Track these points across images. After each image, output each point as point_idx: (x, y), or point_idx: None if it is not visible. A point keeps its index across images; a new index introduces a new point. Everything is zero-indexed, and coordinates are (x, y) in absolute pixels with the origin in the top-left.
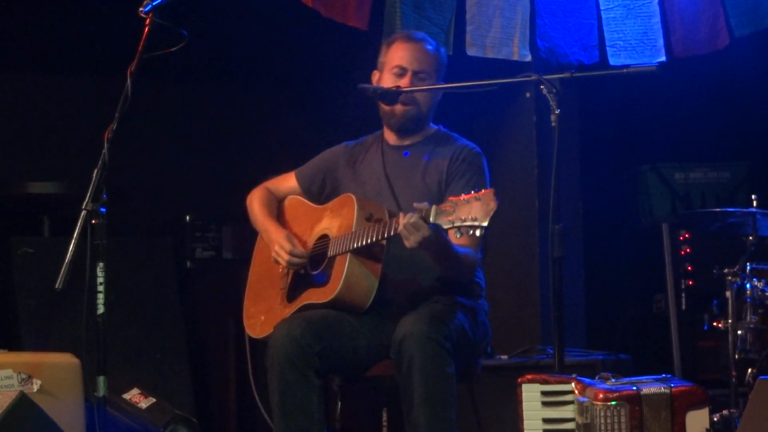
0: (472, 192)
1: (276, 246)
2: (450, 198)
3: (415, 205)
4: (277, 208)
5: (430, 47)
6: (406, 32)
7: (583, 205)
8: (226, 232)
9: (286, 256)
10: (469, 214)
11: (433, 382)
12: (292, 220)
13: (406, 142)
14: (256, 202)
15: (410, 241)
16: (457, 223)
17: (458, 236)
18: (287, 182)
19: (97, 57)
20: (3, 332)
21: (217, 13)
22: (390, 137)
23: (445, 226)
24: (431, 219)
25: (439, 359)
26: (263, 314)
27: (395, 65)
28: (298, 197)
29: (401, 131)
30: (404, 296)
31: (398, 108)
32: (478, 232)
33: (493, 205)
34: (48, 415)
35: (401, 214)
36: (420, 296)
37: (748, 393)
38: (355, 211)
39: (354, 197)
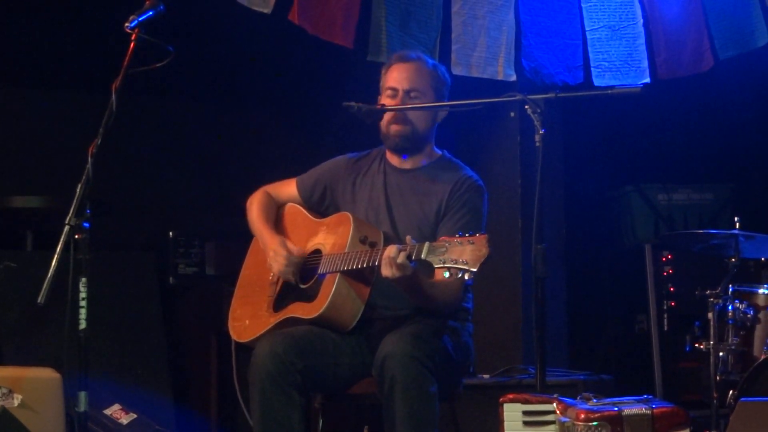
0: (467, 235)
1: (271, 252)
2: (444, 237)
3: (407, 239)
4: (276, 214)
5: (424, 66)
6: (401, 53)
7: (566, 225)
8: (209, 249)
9: (283, 261)
10: (461, 256)
11: (415, 401)
12: (289, 228)
13: (408, 165)
14: (255, 205)
15: (388, 272)
16: (448, 264)
17: (446, 276)
18: (288, 189)
19: (82, 72)
20: None
21: (203, 29)
22: (392, 158)
23: (436, 265)
24: (423, 255)
25: (422, 379)
26: (248, 318)
27: (388, 87)
28: (298, 206)
29: (399, 152)
30: (389, 316)
31: (393, 128)
32: (466, 276)
33: (485, 251)
34: (29, 430)
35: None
36: (405, 317)
37: (729, 415)
38: (351, 232)
39: (351, 217)
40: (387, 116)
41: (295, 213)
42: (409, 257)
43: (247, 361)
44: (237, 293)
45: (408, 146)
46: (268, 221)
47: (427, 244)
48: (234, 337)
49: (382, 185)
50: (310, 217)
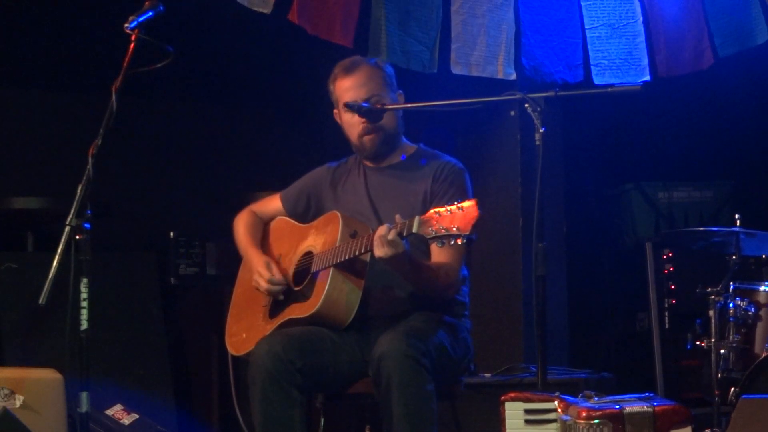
0: (456, 203)
1: (255, 274)
2: (433, 209)
3: (396, 217)
4: (262, 231)
5: (369, 68)
6: (343, 64)
7: (566, 223)
8: (210, 249)
9: (264, 285)
10: (452, 224)
11: (412, 400)
12: (277, 240)
13: (386, 163)
14: (241, 226)
15: (381, 252)
16: (441, 234)
17: (440, 246)
18: (272, 204)
19: (83, 72)
20: None
21: (202, 29)
22: (368, 162)
23: (428, 237)
24: (414, 229)
25: (418, 377)
26: (245, 332)
27: (345, 102)
28: (284, 218)
29: (378, 158)
30: (386, 313)
31: (366, 139)
32: (460, 242)
33: (475, 214)
34: (31, 431)
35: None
36: (402, 313)
37: (730, 412)
38: (340, 228)
39: (339, 214)
40: (356, 130)
41: (282, 225)
42: (400, 234)
43: (245, 370)
44: (231, 312)
45: (384, 150)
46: (253, 240)
47: (417, 218)
48: (232, 352)
49: (363, 187)
50: (297, 224)
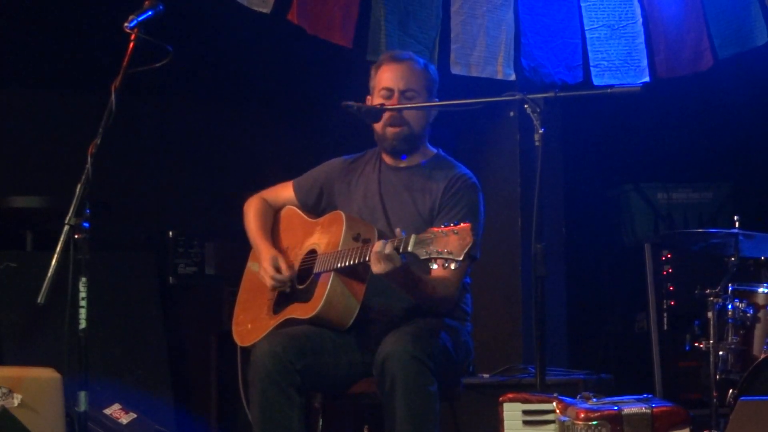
0: (452, 225)
1: (261, 270)
2: (431, 229)
3: (396, 231)
4: (272, 219)
5: (416, 65)
6: (392, 53)
7: (565, 224)
8: (208, 248)
9: (270, 281)
10: (446, 247)
11: (415, 400)
12: (286, 230)
13: (403, 164)
14: (251, 213)
15: (378, 268)
16: (434, 255)
17: (434, 267)
18: (285, 192)
19: (82, 72)
20: None
21: (202, 29)
22: (387, 158)
23: (422, 257)
24: (410, 248)
25: (422, 378)
26: (250, 323)
27: (382, 87)
28: (294, 209)
29: (397, 153)
30: (388, 316)
31: (389, 130)
32: (453, 266)
33: (469, 239)
34: (29, 430)
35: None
36: (403, 317)
37: (729, 414)
38: (343, 230)
39: (343, 215)
40: (383, 119)
41: (291, 216)
42: (396, 249)
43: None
44: (239, 299)
45: (405, 147)
46: (262, 229)
47: (413, 236)
48: (238, 342)
49: (376, 184)
50: (306, 218)
